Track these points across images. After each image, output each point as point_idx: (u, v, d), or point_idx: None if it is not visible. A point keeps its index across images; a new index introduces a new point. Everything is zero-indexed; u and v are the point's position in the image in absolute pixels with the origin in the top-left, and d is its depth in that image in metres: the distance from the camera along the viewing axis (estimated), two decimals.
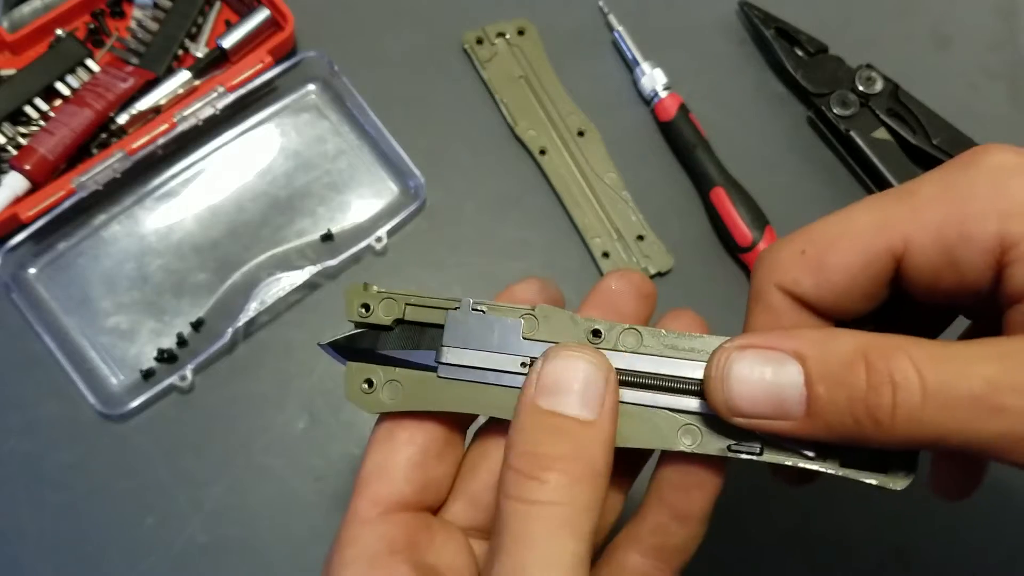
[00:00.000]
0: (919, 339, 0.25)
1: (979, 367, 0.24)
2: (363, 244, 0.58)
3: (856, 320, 0.30)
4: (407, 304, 0.31)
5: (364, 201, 0.61)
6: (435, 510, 0.32)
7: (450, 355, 0.30)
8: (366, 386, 0.31)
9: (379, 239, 0.58)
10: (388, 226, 0.59)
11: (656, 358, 0.30)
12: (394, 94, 0.62)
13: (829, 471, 0.28)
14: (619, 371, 0.29)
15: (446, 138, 0.62)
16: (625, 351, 0.30)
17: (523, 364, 0.30)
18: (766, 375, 0.26)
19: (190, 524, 0.53)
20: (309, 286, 0.58)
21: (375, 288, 0.31)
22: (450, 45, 0.64)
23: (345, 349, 0.32)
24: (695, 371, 0.29)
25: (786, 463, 0.28)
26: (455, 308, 0.31)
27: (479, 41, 0.63)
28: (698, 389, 0.29)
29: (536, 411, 0.27)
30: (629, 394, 0.29)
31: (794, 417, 0.26)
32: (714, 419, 0.28)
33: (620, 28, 0.64)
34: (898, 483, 0.28)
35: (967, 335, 0.34)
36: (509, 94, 0.62)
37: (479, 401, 0.30)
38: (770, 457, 0.29)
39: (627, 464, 0.33)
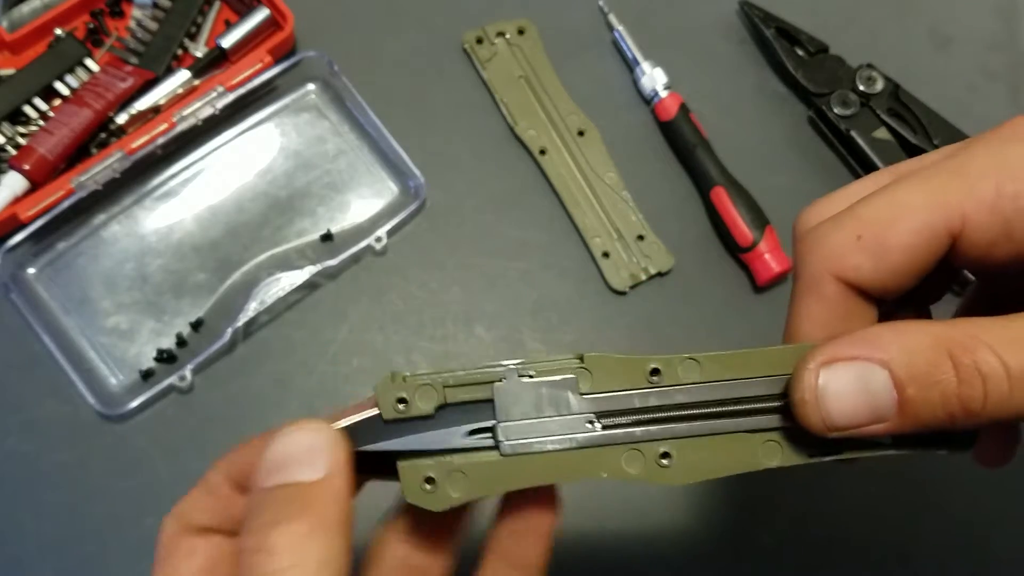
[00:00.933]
0: (983, 322, 0.26)
1: None
2: (363, 244, 0.58)
3: (897, 298, 0.31)
4: (446, 387, 0.29)
5: (364, 201, 0.60)
6: None
7: (509, 431, 0.28)
8: (428, 485, 0.28)
9: (379, 239, 0.58)
10: (388, 226, 0.58)
11: (721, 384, 0.29)
12: (394, 94, 0.62)
13: (905, 452, 0.29)
14: (684, 405, 0.29)
15: (446, 138, 0.62)
16: (688, 384, 0.29)
17: (590, 422, 0.29)
18: (858, 386, 0.26)
19: None
20: (309, 286, 0.58)
21: (405, 374, 0.28)
22: (450, 45, 0.64)
23: (376, 457, 0.28)
24: (762, 388, 0.29)
25: (867, 455, 0.29)
26: (500, 381, 0.29)
27: (479, 41, 0.63)
28: (773, 406, 0.29)
29: (263, 492, 0.26)
30: (697, 426, 0.29)
31: (887, 419, 0.26)
32: (792, 429, 0.28)
33: (620, 28, 0.64)
34: (965, 446, 0.30)
35: (973, 295, 0.36)
36: (509, 94, 0.62)
37: (552, 471, 0.28)
38: (851, 454, 0.29)
39: (443, 525, 0.32)
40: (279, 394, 0.56)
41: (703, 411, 0.29)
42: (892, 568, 0.54)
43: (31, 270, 0.58)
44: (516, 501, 0.31)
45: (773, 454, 0.29)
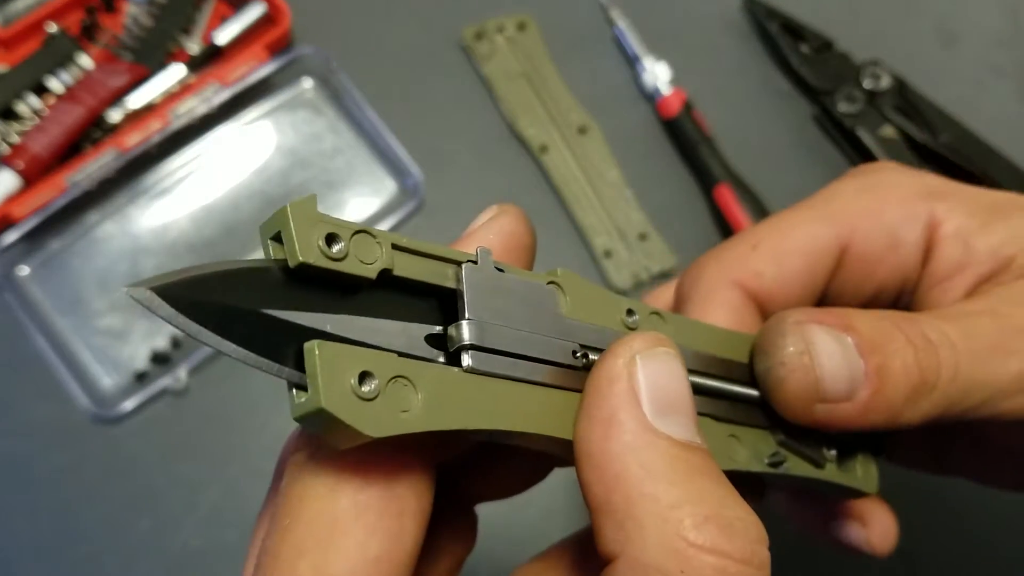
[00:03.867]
0: (917, 312, 0.27)
1: (982, 323, 0.26)
2: None
3: None
4: (395, 246, 0.19)
5: (361, 199, 0.60)
6: None
7: (483, 334, 0.19)
8: (359, 384, 0.17)
9: None
10: (386, 224, 0.58)
11: (692, 352, 0.24)
12: (392, 90, 0.61)
13: (826, 479, 0.28)
14: None
15: (445, 135, 0.61)
16: None
17: (574, 353, 0.21)
18: (839, 348, 0.24)
19: (185, 528, 0.52)
20: None
21: (335, 217, 0.19)
22: (449, 40, 0.63)
23: (235, 316, 0.17)
24: (724, 368, 0.25)
25: (801, 475, 0.27)
26: (470, 261, 0.20)
27: (478, 36, 0.62)
28: (742, 391, 0.25)
29: (669, 444, 0.19)
30: None
31: (858, 395, 0.25)
32: (748, 426, 0.25)
33: (622, 23, 0.63)
34: (872, 485, 0.30)
35: None
36: (509, 90, 0.61)
37: (528, 413, 0.19)
38: (792, 468, 0.26)
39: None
40: (275, 395, 0.55)
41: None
42: (898, 570, 0.53)
43: (24, 269, 0.57)
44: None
45: (735, 452, 0.24)
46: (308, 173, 0.60)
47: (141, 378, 0.55)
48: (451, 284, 0.19)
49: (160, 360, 0.55)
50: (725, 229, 0.58)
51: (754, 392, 0.26)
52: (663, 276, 0.58)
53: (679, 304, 0.31)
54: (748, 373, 0.26)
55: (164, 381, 0.54)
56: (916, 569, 0.53)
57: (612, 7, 0.64)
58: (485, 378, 0.19)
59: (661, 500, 0.18)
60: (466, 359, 0.19)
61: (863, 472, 0.29)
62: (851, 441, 0.29)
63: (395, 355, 0.18)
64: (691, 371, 0.22)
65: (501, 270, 0.20)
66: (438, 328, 0.19)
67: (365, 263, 0.18)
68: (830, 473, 0.28)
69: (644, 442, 0.18)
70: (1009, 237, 0.28)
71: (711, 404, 0.24)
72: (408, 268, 0.19)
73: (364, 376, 0.17)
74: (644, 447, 0.18)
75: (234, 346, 0.17)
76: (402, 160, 0.58)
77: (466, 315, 0.19)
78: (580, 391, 0.20)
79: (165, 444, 0.54)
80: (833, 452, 0.28)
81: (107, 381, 0.55)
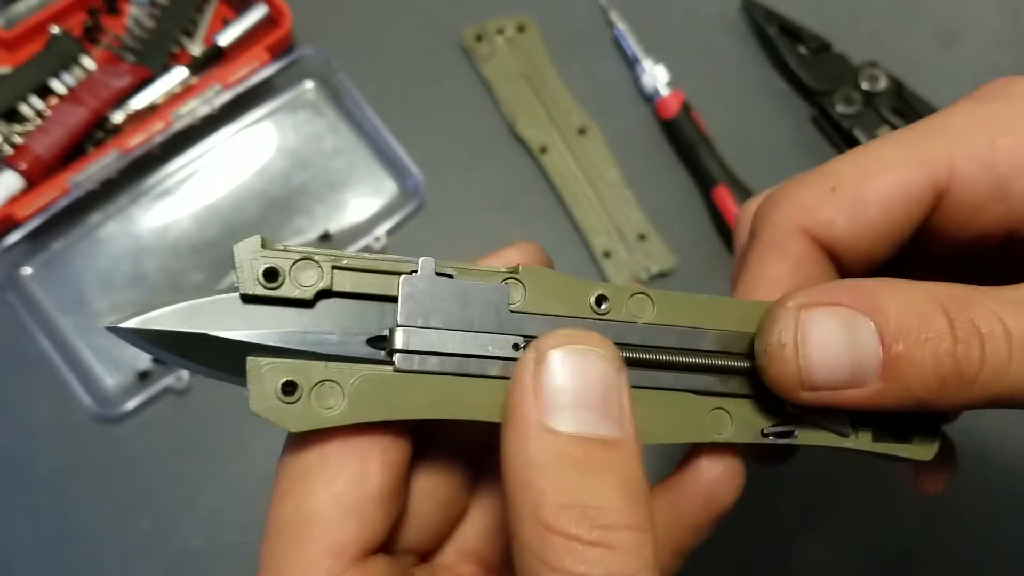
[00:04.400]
0: (981, 287, 0.23)
1: None
2: (361, 243, 0.57)
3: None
4: (335, 267, 0.22)
5: (362, 200, 0.60)
6: (420, 553, 0.26)
7: (412, 339, 0.22)
8: (283, 393, 0.21)
9: (377, 238, 0.58)
10: (387, 225, 0.58)
11: (673, 329, 0.24)
12: (392, 91, 0.62)
13: (862, 448, 0.26)
14: (634, 347, 0.24)
15: (445, 136, 0.61)
16: (637, 321, 0.24)
17: (516, 347, 0.23)
18: (843, 336, 0.22)
19: (185, 528, 0.52)
20: None
21: (282, 245, 0.22)
22: (449, 42, 0.63)
23: (190, 341, 0.21)
24: (719, 343, 0.24)
25: (825, 444, 0.25)
26: (411, 272, 0.22)
27: (478, 38, 0.63)
28: (729, 365, 0.24)
29: (551, 437, 0.20)
30: (646, 375, 0.24)
31: (869, 383, 0.22)
32: (744, 398, 0.25)
33: (621, 25, 0.63)
34: (927, 452, 0.26)
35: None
36: (509, 91, 0.62)
37: (464, 402, 0.22)
38: (805, 439, 0.25)
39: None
40: None
41: (651, 356, 0.24)
42: (899, 569, 0.53)
43: (27, 270, 0.57)
44: (678, 483, 0.25)
45: (722, 425, 0.24)
46: (309, 174, 0.60)
47: (143, 378, 0.55)
48: (394, 293, 0.22)
49: (162, 360, 0.55)
50: (723, 229, 0.58)
51: (746, 364, 0.24)
52: (662, 276, 0.58)
53: (750, 239, 0.28)
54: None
55: (166, 381, 0.54)
56: (916, 569, 0.53)
57: (611, 9, 0.64)
58: (413, 375, 0.22)
59: (535, 488, 0.20)
60: (396, 361, 0.22)
61: (919, 438, 0.26)
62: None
63: (324, 363, 0.21)
64: (672, 349, 0.23)
65: (449, 275, 0.22)
66: (385, 331, 0.22)
67: (304, 286, 0.21)
68: (861, 442, 0.26)
69: (531, 436, 0.20)
70: None
71: (691, 380, 0.24)
72: (351, 283, 0.22)
73: (287, 384, 0.21)
74: (531, 441, 0.20)
75: (196, 365, 0.21)
76: (402, 160, 0.59)
77: (397, 322, 0.22)
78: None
79: (166, 444, 0.54)
80: (863, 420, 0.25)
81: (109, 381, 0.55)
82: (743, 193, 0.58)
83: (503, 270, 0.23)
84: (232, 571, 0.52)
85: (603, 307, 0.24)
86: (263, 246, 0.21)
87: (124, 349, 0.56)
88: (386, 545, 0.23)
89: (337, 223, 0.59)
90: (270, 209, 0.59)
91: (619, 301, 0.24)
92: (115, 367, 0.56)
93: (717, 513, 0.26)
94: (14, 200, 0.56)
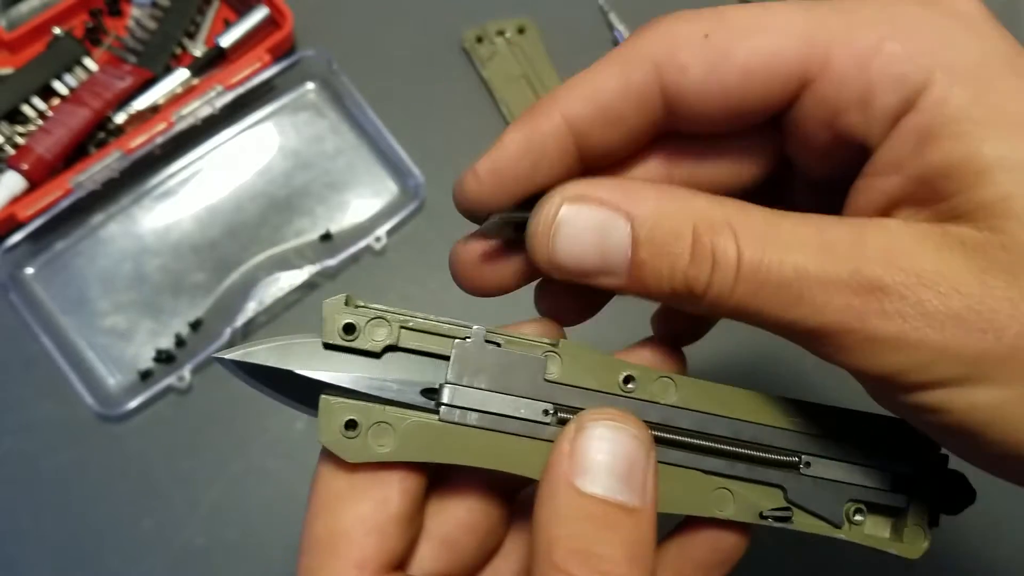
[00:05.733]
0: (751, 211, 0.23)
1: (794, 255, 0.22)
2: (362, 244, 0.58)
3: None
4: (403, 328, 0.26)
5: (363, 200, 0.60)
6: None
7: (456, 395, 0.26)
8: (346, 428, 0.25)
9: (378, 239, 0.58)
10: (387, 226, 0.58)
11: (691, 413, 0.27)
12: (393, 93, 0.62)
13: (854, 540, 0.28)
14: (653, 424, 0.26)
15: (446, 137, 0.61)
16: (660, 403, 0.27)
17: (546, 412, 0.26)
18: (595, 235, 0.24)
19: (188, 526, 0.53)
20: (308, 286, 0.58)
21: (362, 302, 0.26)
22: (450, 43, 0.64)
23: (279, 375, 0.25)
24: (729, 430, 0.27)
25: (816, 532, 0.27)
26: (465, 338, 0.26)
27: (479, 40, 0.63)
28: (736, 452, 0.27)
29: (576, 495, 0.23)
30: (665, 453, 0.26)
31: (617, 277, 0.24)
32: (745, 480, 0.27)
33: (621, 27, 0.63)
34: (916, 551, 0.28)
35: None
36: (509, 93, 0.62)
37: (494, 454, 0.26)
38: (801, 525, 0.27)
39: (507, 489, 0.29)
40: None
41: (667, 436, 0.26)
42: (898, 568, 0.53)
43: (29, 270, 0.58)
44: (697, 526, 0.28)
45: (724, 503, 0.27)
46: (310, 174, 0.60)
47: (145, 377, 0.55)
48: (447, 353, 0.26)
49: (164, 359, 0.56)
50: None
51: (757, 453, 0.27)
52: None
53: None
54: (769, 434, 0.28)
55: (168, 380, 0.54)
56: (916, 569, 0.53)
57: (612, 11, 0.64)
58: (453, 426, 0.26)
59: (553, 533, 0.23)
60: (441, 412, 0.25)
61: (910, 534, 0.28)
62: (908, 491, 0.28)
63: (383, 406, 0.25)
64: (687, 431, 0.27)
65: (498, 344, 0.26)
66: (437, 384, 0.26)
67: (375, 340, 0.26)
68: (853, 535, 0.28)
69: (561, 492, 0.23)
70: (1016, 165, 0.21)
71: (700, 460, 0.27)
72: (414, 342, 0.26)
73: (351, 422, 0.25)
74: (560, 495, 0.23)
75: (277, 393, 0.26)
76: (403, 161, 0.59)
77: (447, 379, 0.26)
78: (551, 441, 0.26)
79: (168, 443, 0.54)
80: (860, 509, 0.28)
81: (111, 380, 0.56)
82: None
83: (545, 342, 0.27)
84: (234, 568, 0.52)
85: (630, 386, 0.27)
86: (347, 304, 0.26)
87: (125, 348, 0.56)
88: (396, 565, 0.26)
89: (338, 224, 0.59)
90: (271, 210, 0.59)
91: (645, 382, 0.27)
92: (117, 367, 0.56)
93: (724, 560, 0.29)
94: (16, 200, 0.56)
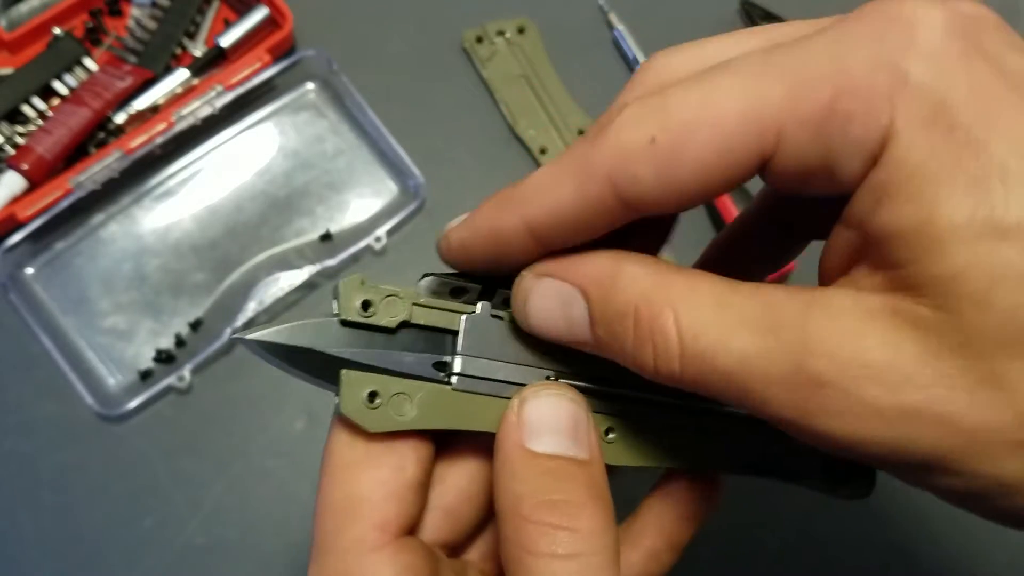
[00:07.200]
0: (700, 289, 0.23)
1: (739, 340, 0.22)
2: (362, 244, 0.58)
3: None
4: (415, 304, 0.27)
5: (363, 200, 0.60)
6: (450, 547, 0.30)
7: (467, 365, 0.27)
8: (368, 399, 0.26)
9: (378, 239, 0.58)
10: (387, 226, 0.58)
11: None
12: (393, 93, 0.62)
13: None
14: (639, 385, 0.28)
15: (446, 137, 0.61)
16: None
17: (548, 378, 0.28)
18: (559, 309, 0.26)
19: (188, 525, 0.53)
20: (308, 286, 0.58)
21: (375, 284, 0.27)
22: (450, 43, 0.64)
23: (298, 352, 0.26)
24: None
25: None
26: (473, 312, 0.28)
27: (479, 39, 0.63)
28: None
29: (530, 456, 0.25)
30: (645, 411, 0.29)
31: (587, 343, 0.26)
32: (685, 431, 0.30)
33: (620, 27, 0.63)
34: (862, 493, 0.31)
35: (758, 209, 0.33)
36: (509, 93, 0.62)
37: (496, 418, 0.27)
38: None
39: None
40: (278, 395, 0.55)
41: (654, 396, 0.28)
42: (897, 568, 0.53)
43: (29, 270, 0.58)
44: (675, 479, 0.31)
45: (676, 454, 0.29)
46: (310, 174, 0.60)
47: (145, 377, 0.55)
48: (456, 327, 0.28)
49: (164, 359, 0.56)
50: (719, 225, 0.59)
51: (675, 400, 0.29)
52: None
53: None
54: None
55: (168, 380, 0.54)
56: (916, 568, 0.53)
57: (611, 11, 0.64)
58: (466, 394, 0.27)
59: (515, 492, 0.25)
60: (454, 382, 0.27)
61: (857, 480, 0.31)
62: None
63: (400, 378, 0.27)
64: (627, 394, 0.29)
65: (500, 317, 0.28)
66: (447, 357, 0.28)
67: (390, 316, 0.27)
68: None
69: (515, 457, 0.26)
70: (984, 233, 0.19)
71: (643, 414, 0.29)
72: (424, 317, 0.27)
73: (372, 394, 0.26)
74: (513, 458, 0.26)
75: (298, 371, 0.27)
76: (404, 161, 0.59)
77: (458, 351, 0.27)
78: None
79: (168, 443, 0.54)
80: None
81: (111, 380, 0.56)
82: (740, 192, 0.58)
83: None
84: (235, 568, 0.52)
85: None
86: (362, 283, 0.27)
87: (125, 349, 0.56)
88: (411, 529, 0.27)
89: (338, 224, 0.59)
90: (272, 210, 0.59)
91: None
92: (117, 367, 0.56)
93: (701, 510, 0.31)
94: (16, 200, 0.56)
